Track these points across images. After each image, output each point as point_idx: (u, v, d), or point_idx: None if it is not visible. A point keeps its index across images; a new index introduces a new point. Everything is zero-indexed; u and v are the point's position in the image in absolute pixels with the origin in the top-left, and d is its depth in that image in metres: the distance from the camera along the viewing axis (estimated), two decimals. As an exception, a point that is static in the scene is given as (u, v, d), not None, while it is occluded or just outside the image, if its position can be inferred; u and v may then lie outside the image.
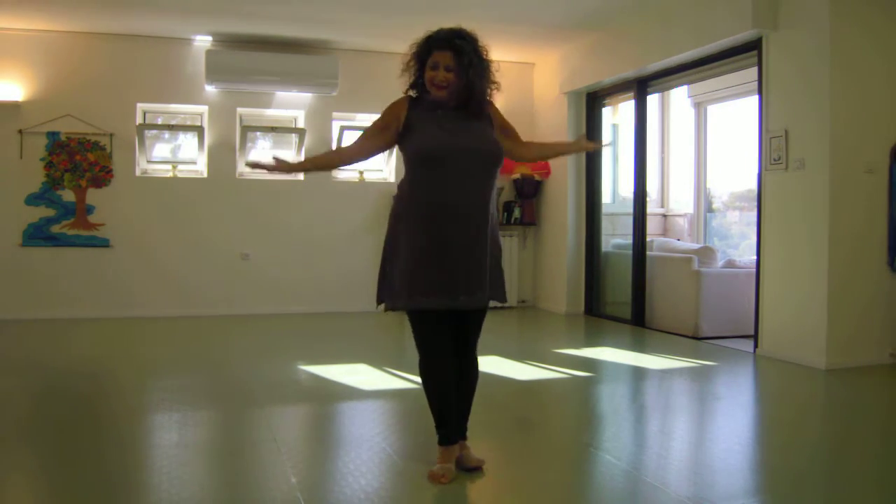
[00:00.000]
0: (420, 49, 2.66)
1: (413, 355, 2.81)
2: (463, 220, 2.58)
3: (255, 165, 2.63)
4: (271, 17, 6.29)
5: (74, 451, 2.97)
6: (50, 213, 6.63)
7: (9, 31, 6.49)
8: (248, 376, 4.45)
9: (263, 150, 7.41)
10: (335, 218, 7.27)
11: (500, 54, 7.66)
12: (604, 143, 3.09)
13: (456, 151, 2.58)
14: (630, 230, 6.74)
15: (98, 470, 2.79)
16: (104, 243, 6.76)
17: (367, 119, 7.38)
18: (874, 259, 4.81)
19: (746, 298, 5.67)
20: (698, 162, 7.83)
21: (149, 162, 7.03)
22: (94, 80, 6.71)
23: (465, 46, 2.62)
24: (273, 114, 7.32)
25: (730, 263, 6.31)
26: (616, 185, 7.62)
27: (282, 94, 7.19)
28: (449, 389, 2.68)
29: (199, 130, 6.99)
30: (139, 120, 6.92)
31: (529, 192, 7.69)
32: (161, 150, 7.21)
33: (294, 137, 7.28)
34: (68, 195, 6.67)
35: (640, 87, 6.58)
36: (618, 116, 7.53)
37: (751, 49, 5.27)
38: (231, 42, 6.98)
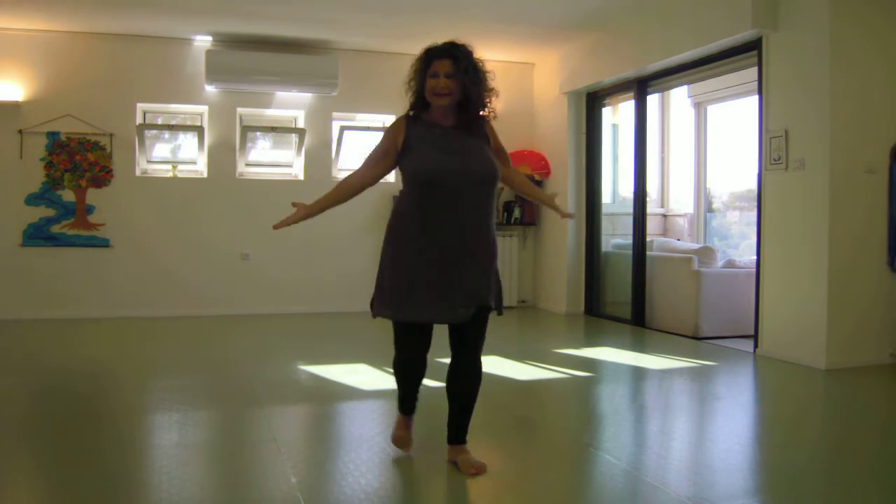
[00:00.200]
0: (420, 63, 2.72)
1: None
2: (458, 240, 2.65)
3: (280, 226, 2.92)
4: (271, 17, 6.29)
5: (74, 451, 2.97)
6: (50, 213, 6.63)
7: (9, 31, 6.49)
8: (248, 376, 4.45)
9: (263, 150, 7.42)
10: (335, 218, 7.20)
11: (500, 54, 7.69)
12: (571, 215, 3.21)
13: (454, 173, 2.64)
14: (630, 230, 6.74)
15: (98, 470, 2.79)
16: (104, 243, 6.76)
17: (367, 119, 7.39)
18: (874, 259, 4.81)
19: (746, 298, 5.68)
20: (698, 162, 7.83)
21: (149, 162, 7.03)
22: (94, 80, 6.71)
23: (461, 54, 2.69)
24: (273, 114, 7.32)
25: (730, 263, 6.31)
26: (616, 185, 7.62)
27: (282, 94, 7.19)
28: (413, 383, 2.91)
29: (199, 130, 6.98)
30: (139, 120, 6.91)
31: (529, 192, 7.68)
32: (161, 150, 7.21)
33: (294, 137, 7.28)
34: (68, 195, 6.67)
35: (640, 87, 6.58)
36: (618, 116, 7.53)
37: (751, 49, 5.27)
38: (231, 42, 6.98)
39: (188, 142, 7.21)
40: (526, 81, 7.92)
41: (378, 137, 2.88)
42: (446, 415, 2.87)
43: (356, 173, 2.83)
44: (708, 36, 5.40)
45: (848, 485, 2.76)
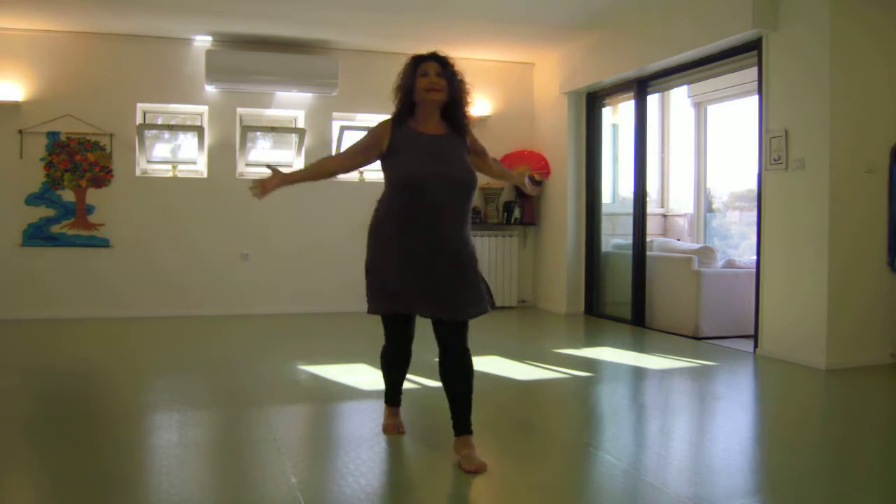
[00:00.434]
0: (409, 68, 2.90)
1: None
2: (436, 239, 2.80)
3: (259, 190, 3.10)
4: (271, 17, 6.29)
5: (74, 451, 2.97)
6: (50, 213, 6.63)
7: (9, 31, 6.49)
8: (247, 376, 4.45)
9: (263, 150, 7.42)
10: (335, 218, 7.27)
11: (500, 54, 7.70)
12: (536, 187, 3.32)
13: (434, 179, 2.79)
14: (630, 230, 6.74)
15: (98, 470, 2.79)
16: (104, 243, 6.76)
17: (368, 119, 7.39)
18: (874, 259, 4.81)
19: (746, 298, 5.68)
20: (698, 162, 7.83)
21: (149, 162, 7.04)
22: (94, 80, 6.71)
23: (447, 61, 2.91)
24: (273, 114, 7.32)
25: (730, 263, 6.31)
26: (616, 185, 7.62)
27: (282, 94, 7.20)
28: (399, 371, 3.17)
29: (199, 130, 6.99)
30: (139, 120, 6.92)
31: (529, 192, 7.68)
32: (161, 150, 7.21)
33: (294, 137, 7.28)
34: (68, 195, 6.67)
35: (640, 87, 6.58)
36: (618, 116, 7.53)
37: (751, 49, 5.27)
38: (231, 42, 6.98)
39: (188, 142, 7.21)
40: (526, 81, 7.92)
41: None
42: (446, 413, 2.90)
43: (335, 159, 3.15)
44: (708, 36, 5.40)
45: (848, 485, 2.76)
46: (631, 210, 6.72)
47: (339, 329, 6.40)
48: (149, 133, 7.01)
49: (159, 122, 7.16)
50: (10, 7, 5.97)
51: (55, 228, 6.64)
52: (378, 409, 3.38)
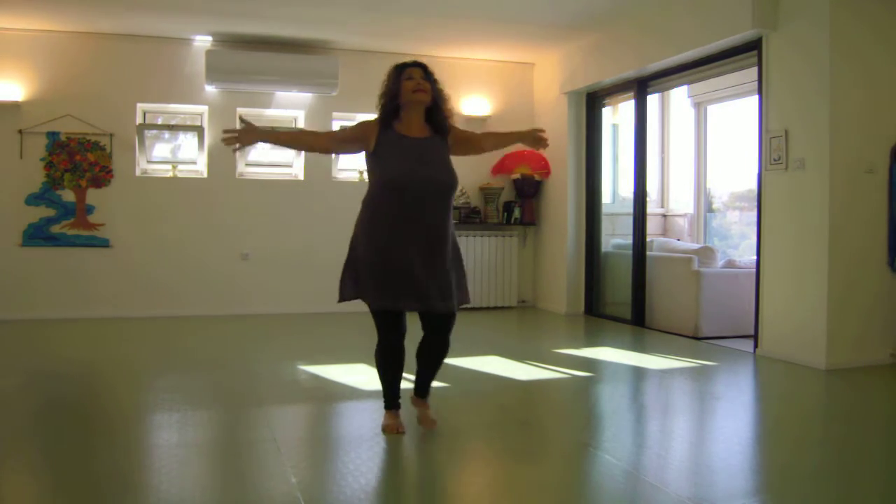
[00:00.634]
0: (394, 75, 3.13)
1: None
2: (419, 237, 3.00)
3: (227, 138, 3.17)
4: (271, 17, 6.29)
5: (74, 451, 2.97)
6: (50, 213, 6.63)
7: (9, 31, 6.49)
8: (247, 376, 4.45)
9: (263, 149, 7.41)
10: (335, 218, 7.26)
11: (500, 54, 7.70)
12: (542, 138, 3.36)
13: (417, 181, 3.00)
14: (630, 230, 6.74)
15: (98, 469, 2.79)
16: (104, 243, 6.76)
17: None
18: (874, 259, 4.81)
19: (746, 298, 5.67)
20: (698, 162, 7.83)
21: (149, 162, 7.04)
22: (94, 80, 6.71)
23: (429, 69, 3.14)
24: (273, 114, 7.32)
25: (730, 263, 6.31)
26: (616, 185, 7.62)
27: (282, 94, 7.19)
28: (396, 368, 3.20)
29: (199, 130, 6.99)
30: (139, 120, 6.92)
31: (529, 192, 7.69)
32: (161, 150, 7.21)
33: (294, 137, 7.28)
34: (68, 195, 6.67)
35: (640, 87, 6.58)
36: (618, 116, 7.53)
37: (751, 49, 5.27)
38: (231, 42, 6.98)
39: (188, 142, 7.21)
40: (526, 81, 7.91)
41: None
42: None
43: (319, 138, 3.32)
44: (708, 36, 5.40)
45: (848, 485, 2.76)
46: (631, 210, 6.72)
47: (339, 329, 6.40)
48: (149, 133, 7.01)
49: (159, 122, 7.16)
50: (10, 7, 5.97)
51: (55, 228, 6.64)
52: (378, 408, 3.37)
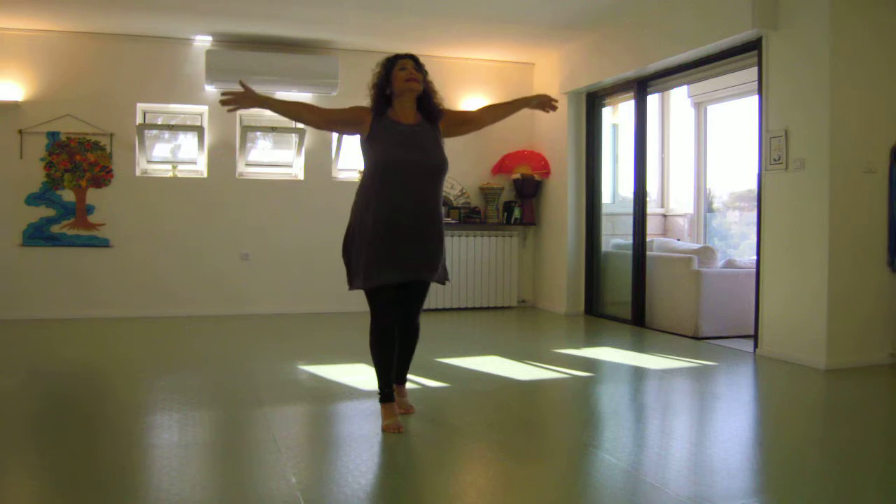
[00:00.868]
0: (386, 65, 3.28)
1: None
2: (412, 216, 3.19)
3: (226, 99, 3.18)
4: (271, 17, 6.29)
5: (74, 451, 2.97)
6: (50, 213, 6.63)
7: (9, 31, 6.49)
8: (247, 376, 4.45)
9: (264, 150, 7.41)
10: (335, 218, 7.25)
11: (500, 54, 7.70)
12: (551, 102, 3.55)
13: (410, 165, 3.20)
14: (630, 230, 6.74)
15: (98, 469, 2.79)
16: (104, 243, 6.76)
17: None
18: (874, 259, 4.81)
19: (746, 298, 5.67)
20: (698, 162, 7.84)
21: (149, 162, 7.04)
22: (94, 80, 6.71)
23: (419, 61, 3.30)
24: (273, 114, 7.30)
25: (730, 263, 6.31)
26: (616, 185, 7.62)
27: (282, 94, 7.18)
28: (392, 354, 3.29)
29: (199, 130, 6.99)
30: (139, 120, 6.92)
31: (529, 192, 7.69)
32: (161, 150, 7.21)
33: (294, 137, 7.28)
34: (68, 195, 6.67)
35: (640, 87, 6.58)
36: (618, 116, 7.53)
37: (751, 49, 5.27)
38: (231, 42, 6.98)
39: (188, 142, 7.21)
40: (526, 81, 7.91)
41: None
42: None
43: (314, 113, 3.39)
44: (708, 36, 5.40)
45: (848, 485, 2.76)
46: (631, 210, 6.72)
47: (339, 329, 6.40)
48: (149, 133, 7.01)
49: (159, 122, 7.16)
50: (10, 7, 5.97)
51: (55, 228, 6.65)
52: (378, 409, 3.37)
